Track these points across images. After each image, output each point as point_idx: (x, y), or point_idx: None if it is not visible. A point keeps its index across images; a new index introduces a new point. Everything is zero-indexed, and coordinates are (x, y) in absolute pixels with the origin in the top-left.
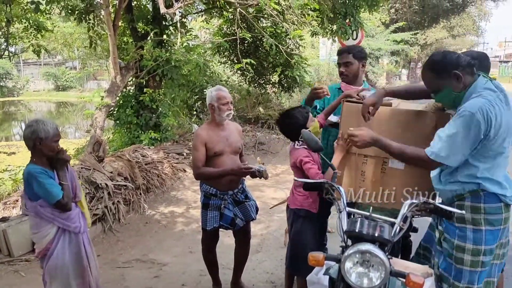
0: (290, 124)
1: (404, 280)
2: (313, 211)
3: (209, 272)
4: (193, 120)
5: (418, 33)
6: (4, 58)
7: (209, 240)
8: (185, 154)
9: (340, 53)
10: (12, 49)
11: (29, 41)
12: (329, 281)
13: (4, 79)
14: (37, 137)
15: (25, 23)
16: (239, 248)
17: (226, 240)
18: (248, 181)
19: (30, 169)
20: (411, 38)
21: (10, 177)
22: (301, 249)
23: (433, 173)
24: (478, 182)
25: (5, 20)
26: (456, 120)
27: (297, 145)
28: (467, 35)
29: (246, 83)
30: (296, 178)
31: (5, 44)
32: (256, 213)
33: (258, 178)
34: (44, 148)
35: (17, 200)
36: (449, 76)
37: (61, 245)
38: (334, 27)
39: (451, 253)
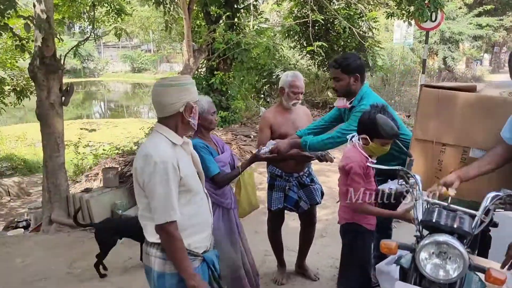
0: (374, 124)
1: (483, 275)
2: (367, 227)
3: (274, 252)
4: (260, 103)
5: (504, 17)
6: (90, 40)
7: (274, 220)
8: (252, 136)
9: (329, 66)
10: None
11: (110, 24)
12: (400, 271)
13: (86, 60)
14: None
15: (107, 7)
16: (304, 231)
17: (291, 223)
18: (315, 166)
19: (195, 143)
20: (496, 23)
21: (91, 152)
22: (352, 267)
23: None
24: None
25: (90, 4)
26: None
27: (356, 142)
28: None
29: (315, 67)
30: (370, 164)
31: (90, 27)
32: (322, 197)
33: (324, 162)
34: (202, 121)
35: (97, 173)
36: None
37: (216, 218)
38: (412, 8)
39: None
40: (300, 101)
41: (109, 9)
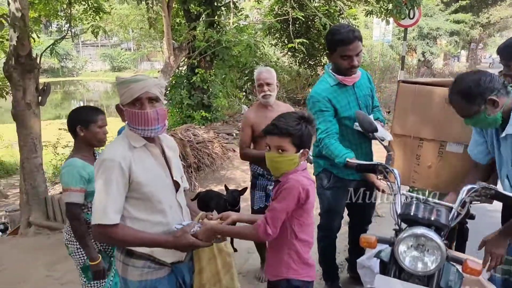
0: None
1: (460, 266)
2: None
3: (257, 250)
4: (242, 101)
5: (480, 14)
6: (67, 39)
7: None
8: (234, 134)
9: (351, 41)
10: (73, 30)
11: (88, 23)
12: (380, 264)
13: (64, 59)
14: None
15: (84, 4)
16: None
17: None
18: None
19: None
20: (472, 20)
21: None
22: None
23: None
24: None
25: (67, 1)
26: None
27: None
28: None
29: (296, 64)
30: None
31: (67, 25)
32: None
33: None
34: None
35: None
36: (484, 102)
37: None
38: (390, 5)
39: None
40: (271, 93)
41: (86, 7)
